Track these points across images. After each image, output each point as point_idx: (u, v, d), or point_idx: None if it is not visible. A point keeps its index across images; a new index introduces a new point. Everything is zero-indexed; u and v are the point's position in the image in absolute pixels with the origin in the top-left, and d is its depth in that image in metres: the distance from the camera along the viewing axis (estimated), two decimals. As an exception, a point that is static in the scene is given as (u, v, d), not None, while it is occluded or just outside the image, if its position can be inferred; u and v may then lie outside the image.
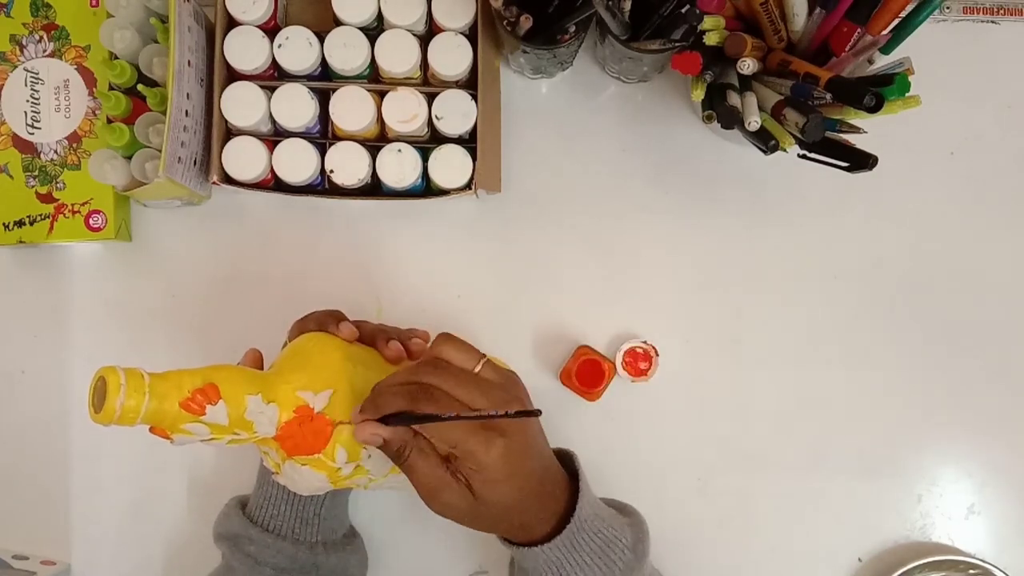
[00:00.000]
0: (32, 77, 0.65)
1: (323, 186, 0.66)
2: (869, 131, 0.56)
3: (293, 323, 0.56)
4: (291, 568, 0.57)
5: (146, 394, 0.44)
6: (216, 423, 0.46)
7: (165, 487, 0.68)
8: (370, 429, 0.47)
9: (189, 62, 0.61)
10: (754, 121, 0.56)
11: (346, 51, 0.62)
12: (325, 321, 0.53)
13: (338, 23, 0.62)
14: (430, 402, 0.46)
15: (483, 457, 0.45)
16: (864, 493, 0.67)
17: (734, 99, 0.58)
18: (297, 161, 0.63)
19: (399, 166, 0.63)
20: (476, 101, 0.63)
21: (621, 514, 0.56)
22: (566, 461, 0.55)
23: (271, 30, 0.63)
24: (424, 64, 0.63)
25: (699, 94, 0.59)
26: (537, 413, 0.48)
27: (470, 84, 0.64)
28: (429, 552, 0.67)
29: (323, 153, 0.63)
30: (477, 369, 0.49)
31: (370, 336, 0.55)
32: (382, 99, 0.63)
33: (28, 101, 0.65)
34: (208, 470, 0.68)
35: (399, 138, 0.64)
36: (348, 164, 0.62)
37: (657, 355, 0.66)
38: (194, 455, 0.68)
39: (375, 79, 0.65)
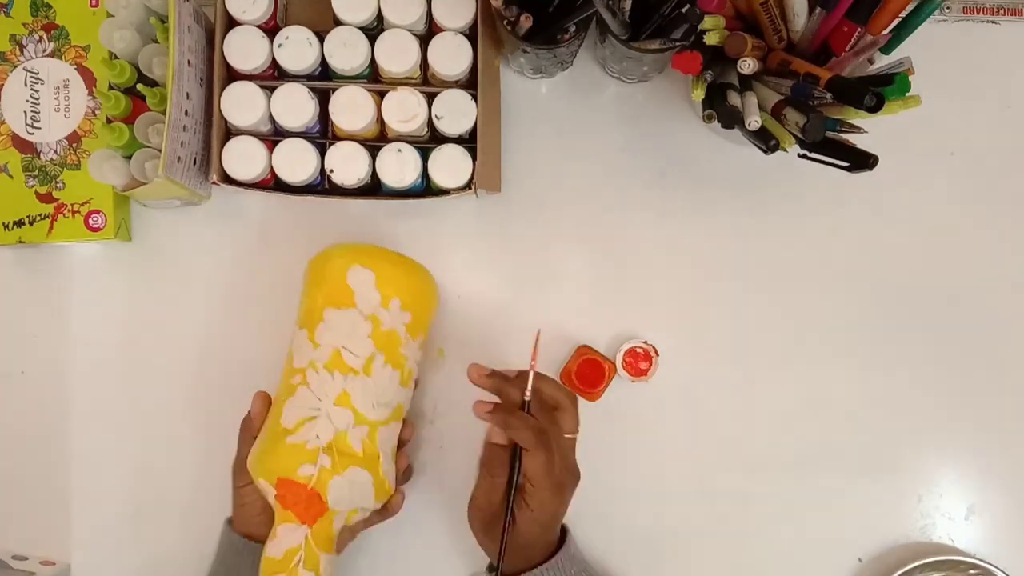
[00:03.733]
0: (32, 77, 0.65)
1: (323, 186, 0.66)
2: (869, 131, 0.56)
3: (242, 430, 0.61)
4: None
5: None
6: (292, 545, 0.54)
7: (165, 487, 0.68)
8: (496, 418, 0.56)
9: (189, 62, 0.61)
10: (754, 121, 0.56)
11: (346, 51, 0.62)
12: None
13: (338, 23, 0.62)
14: (547, 451, 0.55)
15: (547, 509, 0.56)
16: (864, 493, 0.67)
17: (734, 99, 0.58)
18: (297, 161, 0.63)
19: (399, 166, 0.63)
20: (476, 101, 0.63)
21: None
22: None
23: (271, 30, 0.63)
24: (424, 64, 0.63)
25: (699, 94, 0.59)
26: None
27: (470, 84, 0.64)
28: (429, 554, 0.67)
29: (323, 153, 0.63)
30: (568, 437, 0.58)
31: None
32: (382, 99, 0.63)
33: (28, 101, 0.65)
34: (208, 470, 0.67)
35: (399, 138, 0.64)
36: (348, 164, 0.62)
37: (657, 355, 0.66)
38: (194, 454, 0.68)
39: (375, 79, 0.65)
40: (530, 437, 0.55)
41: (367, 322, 0.57)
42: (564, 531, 0.61)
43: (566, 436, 0.57)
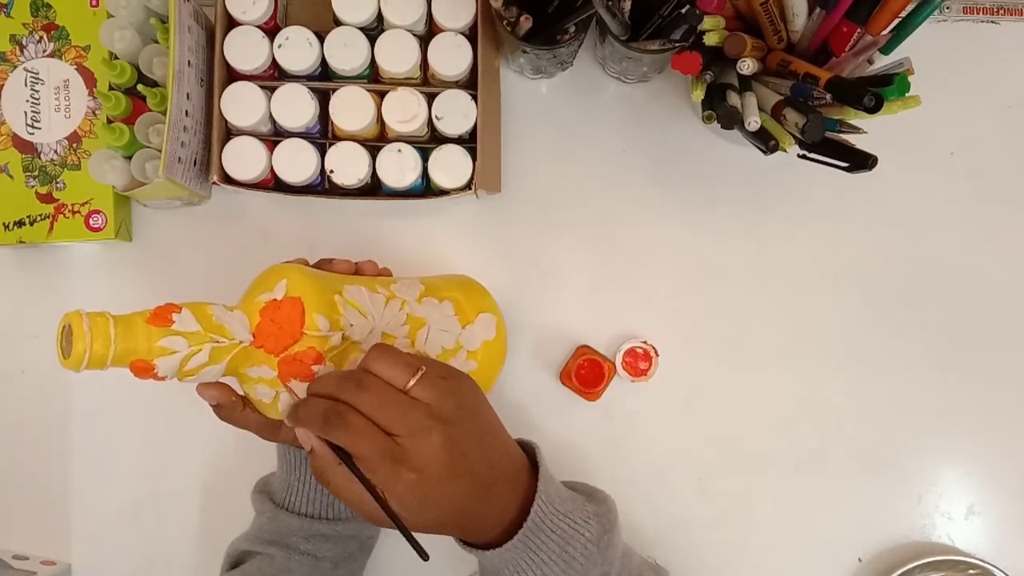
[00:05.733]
0: (32, 77, 0.65)
1: (323, 186, 0.66)
2: (869, 131, 0.56)
3: None
4: (344, 554, 0.58)
5: (111, 330, 0.44)
6: (188, 330, 0.46)
7: (165, 487, 0.68)
8: (303, 435, 0.47)
9: (189, 62, 0.61)
10: (754, 121, 0.56)
11: (346, 51, 0.62)
12: None
13: (338, 23, 0.62)
14: (343, 429, 0.44)
15: (394, 490, 0.45)
16: (864, 493, 0.67)
17: (734, 99, 0.58)
18: (297, 161, 0.63)
19: (399, 166, 0.63)
20: (476, 101, 0.63)
21: (589, 501, 0.52)
22: (528, 451, 0.53)
23: (271, 30, 0.63)
24: (424, 64, 0.63)
25: (699, 94, 0.59)
26: (423, 556, 0.47)
27: (470, 84, 0.64)
28: (430, 552, 0.67)
29: (323, 153, 0.63)
30: (409, 385, 0.46)
31: (316, 264, 0.57)
32: (382, 99, 0.63)
33: (28, 101, 0.65)
34: (208, 469, 0.68)
35: (399, 138, 0.64)
36: (348, 164, 0.62)
37: (657, 355, 0.66)
38: (195, 454, 0.68)
39: (375, 79, 0.65)
40: (315, 422, 0.45)
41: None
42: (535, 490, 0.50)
43: (409, 387, 0.46)
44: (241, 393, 0.53)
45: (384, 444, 0.44)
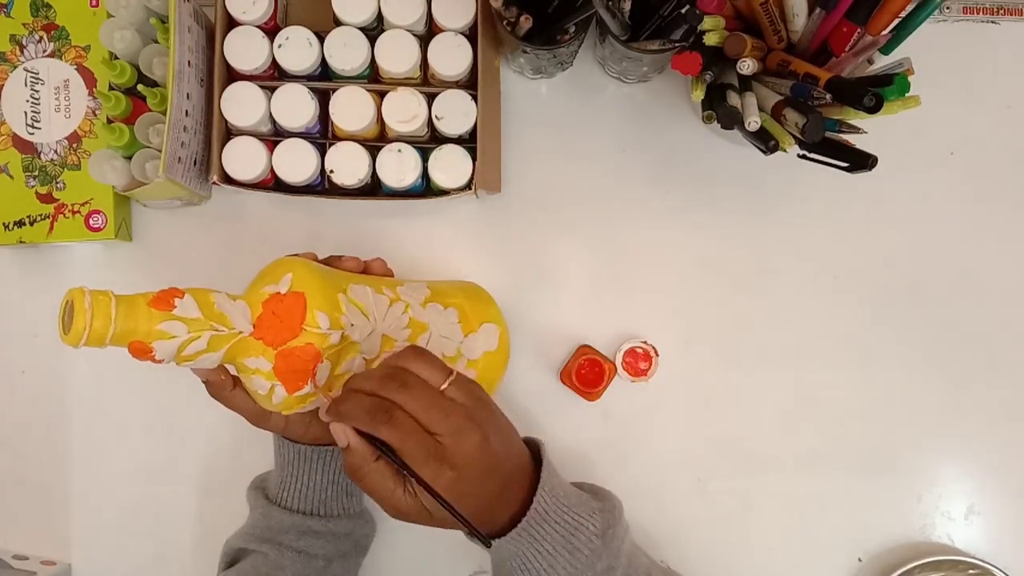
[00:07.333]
0: (32, 77, 0.65)
1: (323, 186, 0.66)
2: (869, 131, 0.56)
3: None
4: (338, 552, 0.59)
5: (112, 309, 0.44)
6: (189, 316, 0.46)
7: (165, 487, 0.68)
8: (340, 431, 0.48)
9: (189, 62, 0.61)
10: (754, 121, 0.56)
11: (346, 51, 0.62)
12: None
13: (338, 23, 0.62)
14: (391, 426, 0.46)
15: (435, 486, 0.47)
16: (864, 493, 0.67)
17: (734, 99, 0.58)
18: (297, 161, 0.63)
19: (399, 166, 0.63)
20: (476, 101, 0.63)
21: (594, 498, 0.54)
22: (533, 449, 0.55)
23: (271, 30, 0.63)
24: (424, 64, 0.63)
25: (699, 94, 0.59)
26: (486, 543, 0.49)
27: (470, 84, 0.64)
28: (429, 552, 0.67)
29: (323, 153, 0.63)
30: (444, 387, 0.49)
31: (326, 260, 0.57)
32: (382, 99, 0.63)
33: (28, 101, 0.65)
34: (208, 470, 0.68)
35: (399, 138, 0.64)
36: (348, 164, 0.62)
37: (657, 355, 0.66)
38: (195, 454, 0.68)
39: (375, 79, 0.65)
40: (361, 418, 0.47)
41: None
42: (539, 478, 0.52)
43: (444, 388, 0.49)
44: (234, 373, 0.53)
45: (429, 442, 0.47)
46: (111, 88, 0.63)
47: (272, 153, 0.63)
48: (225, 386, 0.53)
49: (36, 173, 0.65)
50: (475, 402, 0.49)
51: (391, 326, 0.54)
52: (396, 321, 0.54)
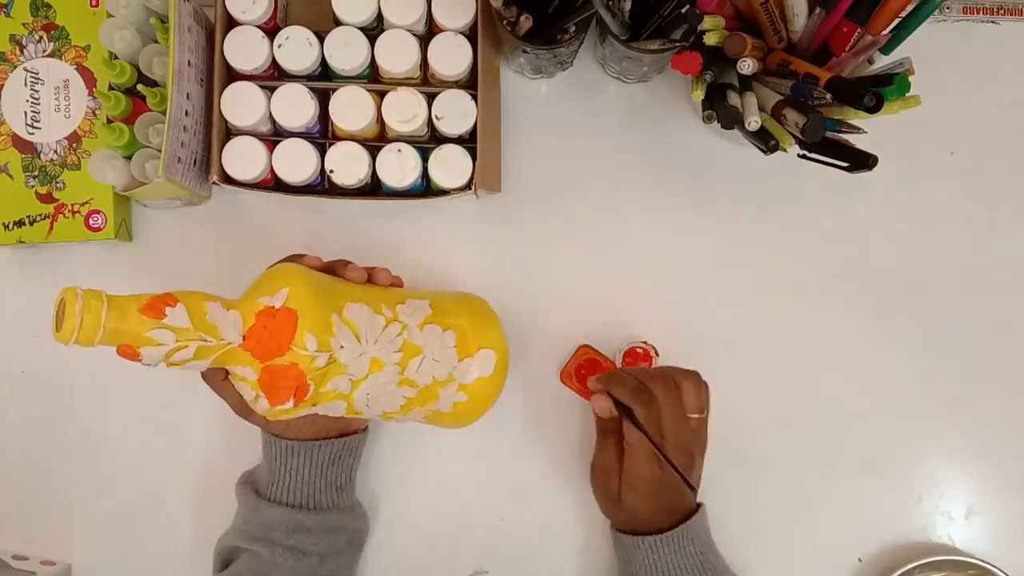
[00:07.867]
0: (32, 77, 0.65)
1: (323, 186, 0.66)
2: (869, 131, 0.56)
3: None
4: (331, 548, 0.59)
5: (103, 312, 0.45)
6: (179, 326, 0.47)
7: (165, 487, 0.68)
8: (602, 404, 0.58)
9: (189, 62, 0.61)
10: (754, 121, 0.56)
11: (346, 51, 0.62)
12: (291, 259, 0.57)
13: (338, 23, 0.62)
14: (645, 406, 0.55)
15: (640, 473, 0.56)
16: (864, 493, 0.67)
17: (734, 99, 0.58)
18: (297, 161, 0.63)
19: (399, 166, 0.63)
20: (476, 101, 0.63)
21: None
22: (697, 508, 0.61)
23: (271, 30, 0.63)
24: (424, 64, 0.63)
25: (699, 94, 0.59)
26: (693, 490, 0.59)
27: (470, 84, 0.64)
28: (430, 551, 0.67)
29: (323, 153, 0.63)
30: (692, 416, 0.57)
31: (330, 266, 0.57)
32: (382, 99, 0.63)
33: (28, 101, 0.65)
34: (208, 469, 0.68)
35: (399, 138, 0.64)
36: (348, 164, 0.62)
37: (657, 355, 0.66)
38: (195, 453, 0.68)
39: (375, 79, 0.65)
40: (625, 392, 0.56)
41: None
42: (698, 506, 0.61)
43: (691, 416, 0.57)
44: None
45: (659, 435, 0.56)
46: (111, 88, 0.63)
47: (272, 153, 0.63)
48: (218, 374, 0.53)
49: (36, 173, 0.65)
50: (700, 443, 0.59)
51: (383, 349, 0.54)
52: (388, 344, 0.54)
